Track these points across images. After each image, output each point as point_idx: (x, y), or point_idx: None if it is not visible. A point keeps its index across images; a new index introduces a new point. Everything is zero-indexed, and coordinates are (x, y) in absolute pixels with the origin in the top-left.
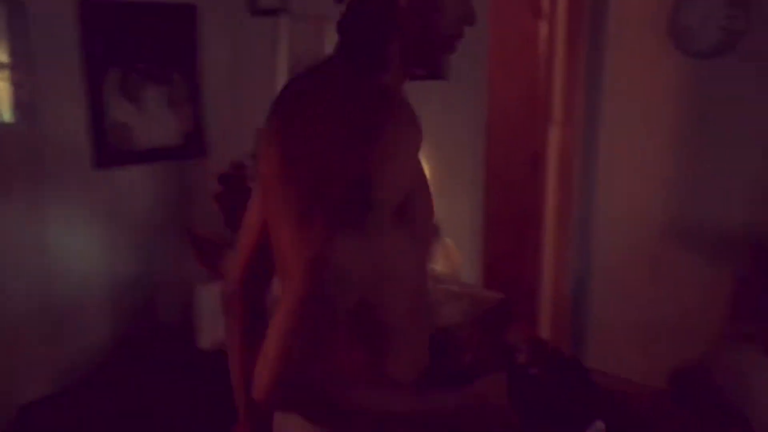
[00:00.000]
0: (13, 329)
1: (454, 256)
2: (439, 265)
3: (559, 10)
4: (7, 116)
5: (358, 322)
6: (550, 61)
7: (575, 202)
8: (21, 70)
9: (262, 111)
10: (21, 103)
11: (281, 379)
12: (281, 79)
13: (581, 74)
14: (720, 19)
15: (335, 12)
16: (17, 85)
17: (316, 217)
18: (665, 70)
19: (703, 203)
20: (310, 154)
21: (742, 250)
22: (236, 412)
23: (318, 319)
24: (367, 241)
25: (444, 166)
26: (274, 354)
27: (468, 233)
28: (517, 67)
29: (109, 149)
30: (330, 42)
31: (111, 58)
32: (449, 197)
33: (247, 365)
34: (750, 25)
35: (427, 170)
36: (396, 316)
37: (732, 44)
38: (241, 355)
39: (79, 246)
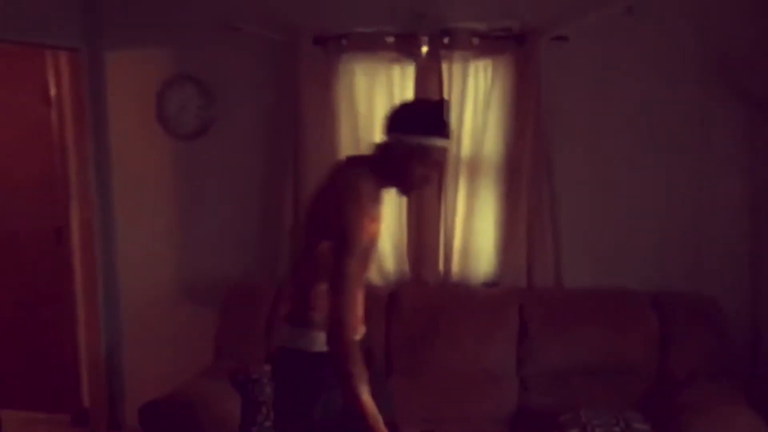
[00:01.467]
0: None
1: None
2: None
3: (65, 99)
4: None
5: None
6: (63, 144)
7: (99, 269)
8: None
9: None
10: None
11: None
12: None
13: (90, 155)
14: (194, 108)
15: None
16: None
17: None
18: (160, 150)
19: (201, 258)
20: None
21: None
22: None
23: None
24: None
25: None
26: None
27: None
28: (34, 150)
29: None
30: None
31: None
32: None
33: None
34: (218, 112)
35: None
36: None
37: (206, 127)
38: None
39: None
